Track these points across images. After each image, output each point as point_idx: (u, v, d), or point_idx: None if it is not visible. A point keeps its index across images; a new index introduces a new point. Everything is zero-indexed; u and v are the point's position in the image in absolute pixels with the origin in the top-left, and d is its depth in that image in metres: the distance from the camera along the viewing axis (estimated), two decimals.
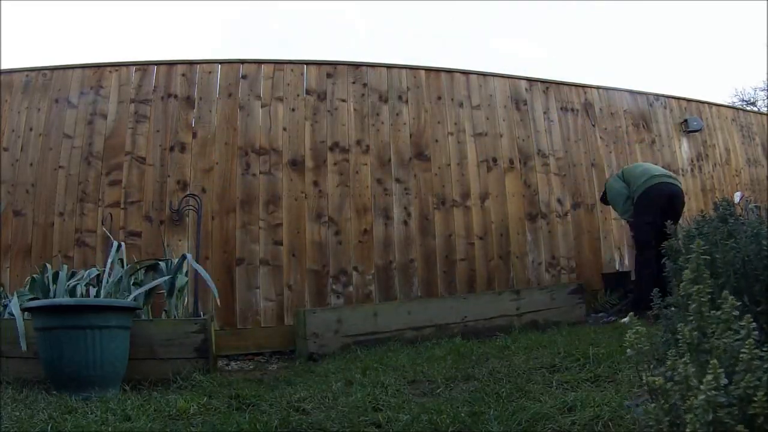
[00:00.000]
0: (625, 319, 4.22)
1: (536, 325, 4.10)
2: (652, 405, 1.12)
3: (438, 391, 2.47)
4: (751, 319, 1.12)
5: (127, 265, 3.60)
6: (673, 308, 1.69)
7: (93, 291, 3.37)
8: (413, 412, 2.07)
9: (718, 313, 1.19)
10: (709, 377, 1.00)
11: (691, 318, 1.25)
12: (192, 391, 2.67)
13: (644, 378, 1.18)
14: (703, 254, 1.35)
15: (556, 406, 1.98)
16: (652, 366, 1.27)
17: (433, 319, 4.01)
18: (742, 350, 1.05)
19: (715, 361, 1.03)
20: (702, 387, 1.00)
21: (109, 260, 3.50)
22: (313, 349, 3.69)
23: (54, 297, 3.26)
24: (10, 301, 3.06)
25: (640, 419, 1.21)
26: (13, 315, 2.90)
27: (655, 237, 4.04)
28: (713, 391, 0.98)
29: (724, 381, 1.01)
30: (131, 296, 3.22)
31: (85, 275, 3.47)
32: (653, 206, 4.15)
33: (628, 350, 1.29)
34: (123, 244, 3.71)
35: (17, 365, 2.92)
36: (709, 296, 1.24)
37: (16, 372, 2.87)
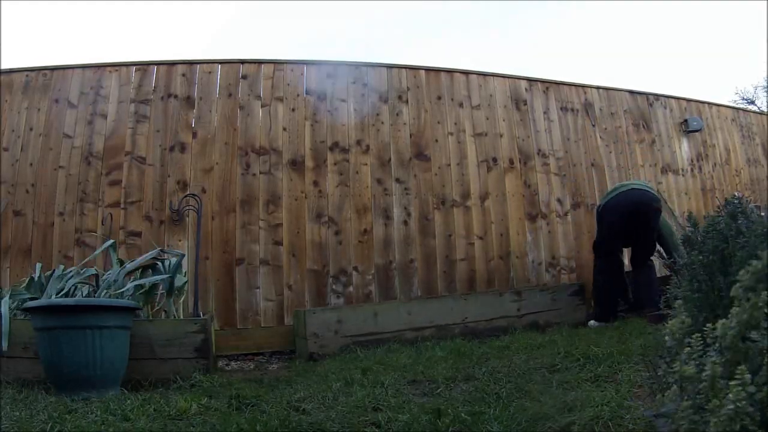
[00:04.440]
0: (591, 322, 4.16)
1: (537, 326, 4.09)
2: (684, 403, 1.07)
3: (438, 391, 2.46)
4: None
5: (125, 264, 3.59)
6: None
7: (90, 290, 3.37)
8: (413, 412, 2.06)
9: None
10: (736, 383, 0.96)
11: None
12: (192, 391, 2.67)
13: (676, 366, 1.13)
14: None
15: (556, 406, 1.97)
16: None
17: (433, 319, 4.00)
18: None
19: (743, 366, 0.99)
20: (730, 396, 0.96)
21: (95, 254, 3.50)
22: (313, 349, 3.69)
23: (48, 297, 3.25)
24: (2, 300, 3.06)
25: (673, 416, 1.16)
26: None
27: (614, 245, 4.26)
28: (743, 402, 0.95)
29: (751, 389, 0.97)
30: (129, 295, 3.21)
31: (82, 274, 3.47)
32: (614, 213, 4.28)
33: (667, 338, 1.24)
34: (114, 241, 3.74)
35: (17, 365, 2.92)
36: (719, 294, 1.21)
37: (16, 372, 2.87)
